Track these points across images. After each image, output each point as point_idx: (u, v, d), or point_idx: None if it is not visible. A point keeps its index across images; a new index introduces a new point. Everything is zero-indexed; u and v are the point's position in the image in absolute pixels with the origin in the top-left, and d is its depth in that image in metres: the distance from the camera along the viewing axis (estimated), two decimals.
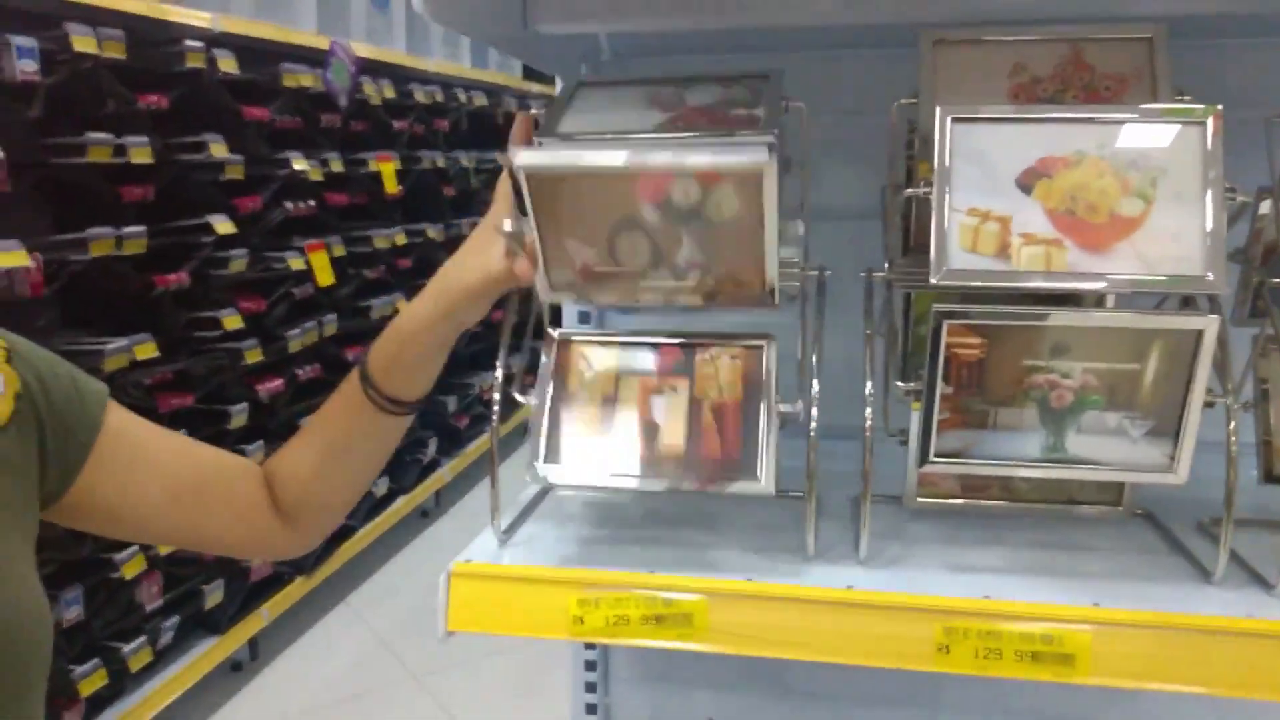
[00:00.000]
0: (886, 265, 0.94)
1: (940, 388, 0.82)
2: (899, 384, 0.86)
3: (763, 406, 0.88)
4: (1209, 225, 0.76)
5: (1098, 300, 0.84)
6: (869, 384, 0.90)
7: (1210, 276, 0.76)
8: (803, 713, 1.31)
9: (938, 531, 0.99)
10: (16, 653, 0.80)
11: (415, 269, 4.71)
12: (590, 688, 1.45)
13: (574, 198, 0.87)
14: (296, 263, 3.67)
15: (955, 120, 0.81)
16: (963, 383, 0.82)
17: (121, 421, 0.92)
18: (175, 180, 3.05)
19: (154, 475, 0.93)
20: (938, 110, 0.81)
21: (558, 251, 0.90)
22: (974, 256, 0.79)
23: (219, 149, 3.16)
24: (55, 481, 0.87)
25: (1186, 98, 0.89)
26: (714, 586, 0.87)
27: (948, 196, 0.80)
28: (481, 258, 0.95)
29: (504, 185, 0.97)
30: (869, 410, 0.89)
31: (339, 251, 3.97)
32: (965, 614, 0.83)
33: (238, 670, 3.53)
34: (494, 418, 0.96)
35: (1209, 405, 0.80)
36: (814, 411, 0.89)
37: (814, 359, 0.90)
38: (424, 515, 5.03)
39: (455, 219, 5.27)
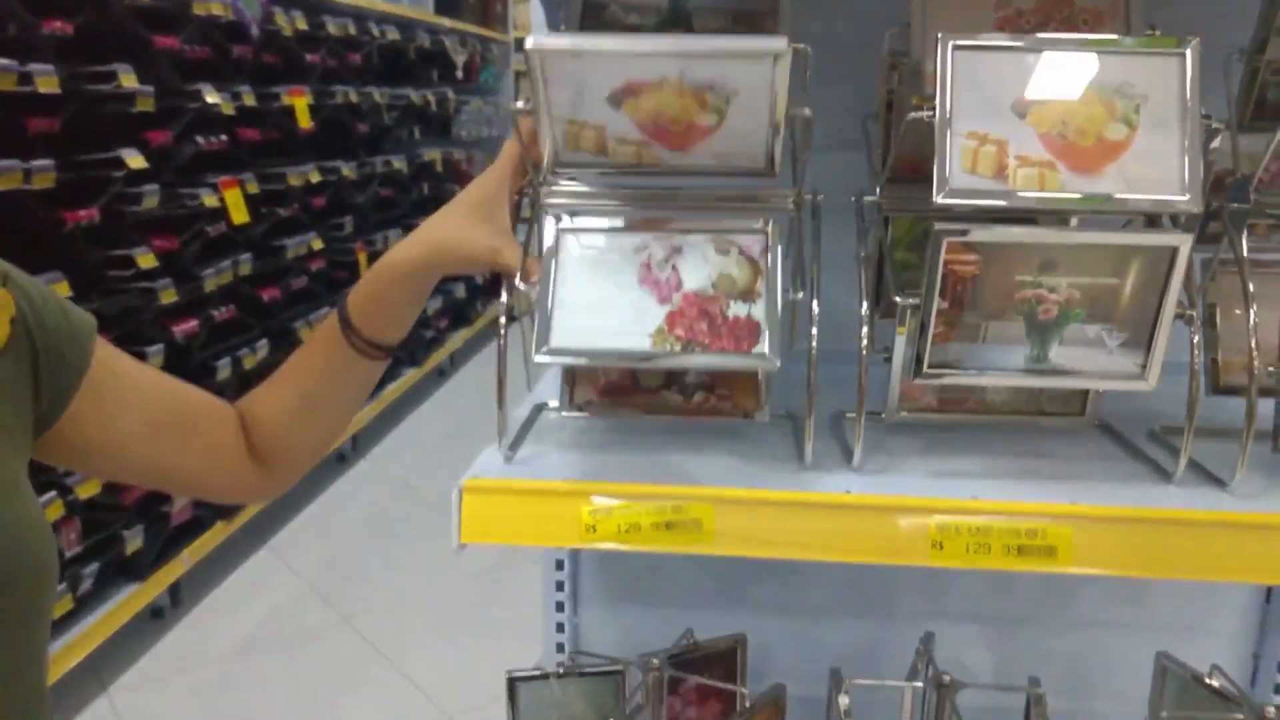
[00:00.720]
0: (877, 191, 0.98)
1: (937, 303, 0.87)
2: (898, 299, 0.91)
3: (765, 289, 0.92)
4: (1187, 150, 0.83)
5: (1082, 221, 0.90)
6: (864, 304, 0.95)
7: (1188, 198, 0.83)
8: (762, 626, 1.37)
9: (918, 443, 1.05)
10: (31, 571, 0.79)
11: (329, 208, 4.60)
12: (559, 607, 1.49)
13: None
14: (210, 200, 3.55)
15: (956, 48, 0.85)
16: (957, 298, 0.88)
17: (107, 353, 0.91)
18: (83, 112, 2.91)
19: (137, 408, 0.92)
20: (939, 37, 0.85)
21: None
22: (973, 178, 0.84)
23: (129, 79, 3.02)
24: (46, 410, 0.85)
25: (1156, 32, 0.95)
26: (720, 494, 0.92)
27: (950, 120, 0.84)
28: (471, 234, 0.94)
29: (511, 147, 0.96)
30: (865, 329, 0.94)
31: (253, 189, 3.86)
32: (956, 512, 0.90)
33: (159, 617, 3.47)
34: (502, 338, 0.96)
35: (1179, 317, 0.87)
36: (814, 330, 0.93)
37: (813, 276, 0.94)
38: (341, 459, 4.97)
39: (369, 157, 5.15)
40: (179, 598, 3.54)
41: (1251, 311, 0.89)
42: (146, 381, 0.94)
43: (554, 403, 1.15)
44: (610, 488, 0.93)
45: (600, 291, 0.93)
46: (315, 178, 4.38)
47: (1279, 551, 0.87)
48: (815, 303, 0.93)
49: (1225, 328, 1.03)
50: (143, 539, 3.23)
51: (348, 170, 4.74)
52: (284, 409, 1.00)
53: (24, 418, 0.84)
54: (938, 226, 0.85)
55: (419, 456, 5.06)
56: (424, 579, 3.81)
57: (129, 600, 3.17)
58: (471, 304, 6.75)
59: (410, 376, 5.51)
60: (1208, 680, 1.20)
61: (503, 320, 0.98)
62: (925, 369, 0.91)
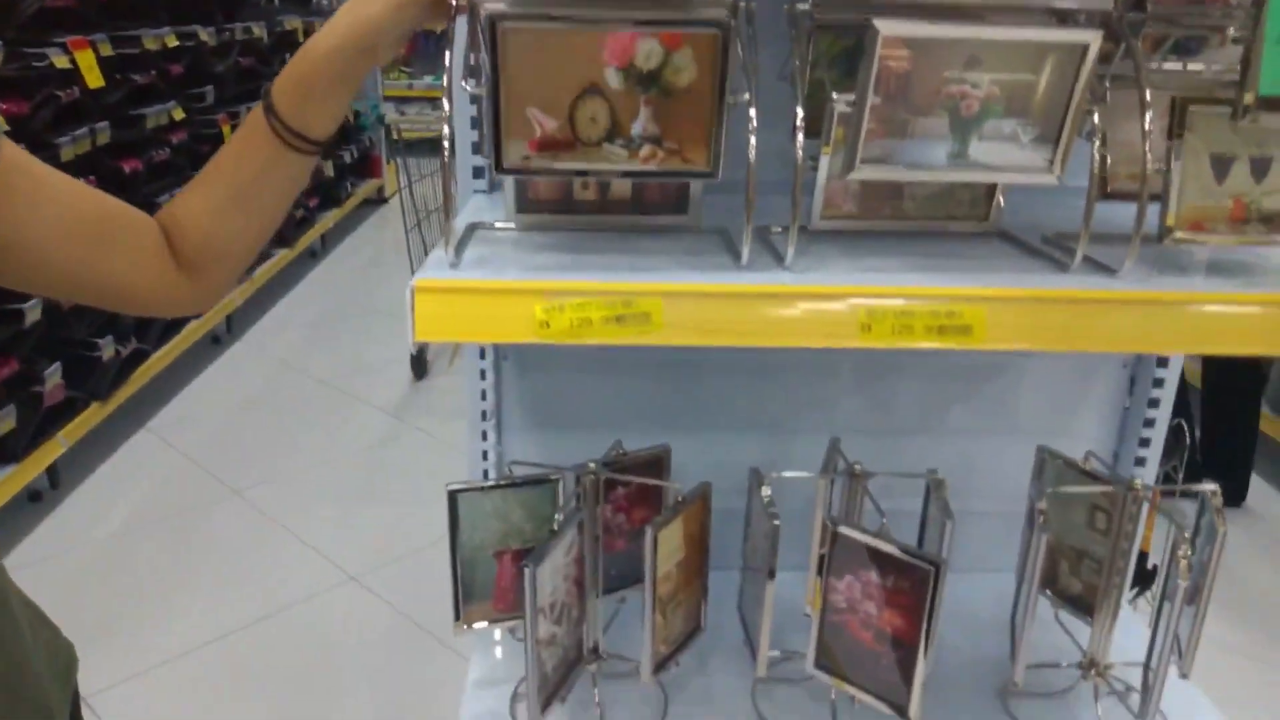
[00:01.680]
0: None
1: (870, 98, 0.93)
2: (836, 95, 0.96)
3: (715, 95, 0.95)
4: None
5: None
6: (799, 109, 0.99)
7: None
8: (679, 444, 1.45)
9: (841, 247, 1.12)
10: None
11: (189, 77, 4.34)
12: (484, 436, 1.53)
13: (541, 60, 0.93)
14: (60, 60, 3.31)
15: None
16: (889, 94, 0.94)
17: (17, 155, 0.88)
18: None
19: (51, 210, 0.89)
20: None
21: (519, 122, 0.95)
22: None
23: None
24: None
25: None
26: (668, 288, 0.97)
27: None
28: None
29: None
30: (799, 136, 0.99)
31: (106, 50, 3.61)
32: (882, 296, 0.97)
33: (37, 500, 3.36)
34: (446, 153, 0.97)
35: (1088, 112, 0.96)
36: (752, 141, 0.97)
37: (753, 83, 0.98)
38: (215, 341, 4.82)
39: (227, 23, 4.86)
40: (57, 480, 3.43)
41: (1147, 116, 0.98)
42: (61, 185, 0.91)
43: (487, 218, 1.18)
44: (562, 285, 0.96)
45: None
46: (172, 42, 4.12)
47: (1162, 325, 0.99)
48: (753, 110, 0.98)
49: (1114, 141, 1.13)
50: (14, 420, 3.10)
51: (206, 35, 4.47)
52: (210, 208, 0.98)
53: None
54: (875, 21, 0.89)
55: (296, 336, 4.96)
56: (311, 453, 3.79)
57: (4, 483, 3.06)
58: (341, 184, 6.54)
59: (282, 257, 5.34)
60: (1083, 465, 1.34)
61: (447, 108, 0.97)
62: (858, 162, 0.97)
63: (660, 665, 1.28)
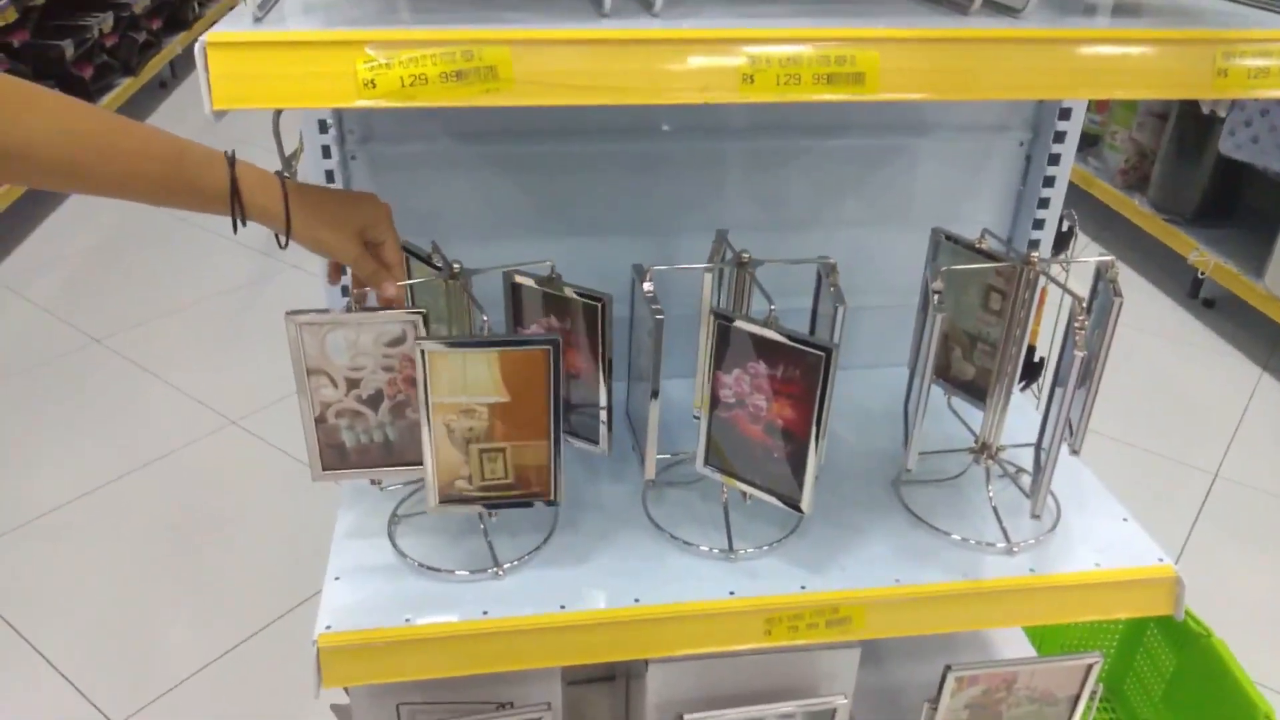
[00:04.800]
0: None
1: None
2: None
3: None
4: None
5: None
6: None
7: None
8: (557, 252, 1.33)
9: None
10: None
11: None
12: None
13: None
14: None
15: None
16: None
17: None
18: None
19: None
20: None
21: None
22: None
23: None
24: None
25: None
26: (517, 36, 0.82)
27: None
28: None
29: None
30: None
31: None
32: (766, 42, 0.85)
33: None
34: None
35: None
36: None
37: None
38: None
39: None
40: None
41: None
42: None
43: None
44: (389, 35, 0.81)
45: None
46: None
47: (1064, 65, 0.89)
48: None
49: None
50: None
51: None
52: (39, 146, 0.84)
53: None
54: None
55: None
56: (176, 296, 3.55)
57: None
58: (188, 3, 5.95)
59: (127, 87, 4.87)
60: (978, 244, 1.27)
61: None
62: None
63: (457, 500, 1.17)
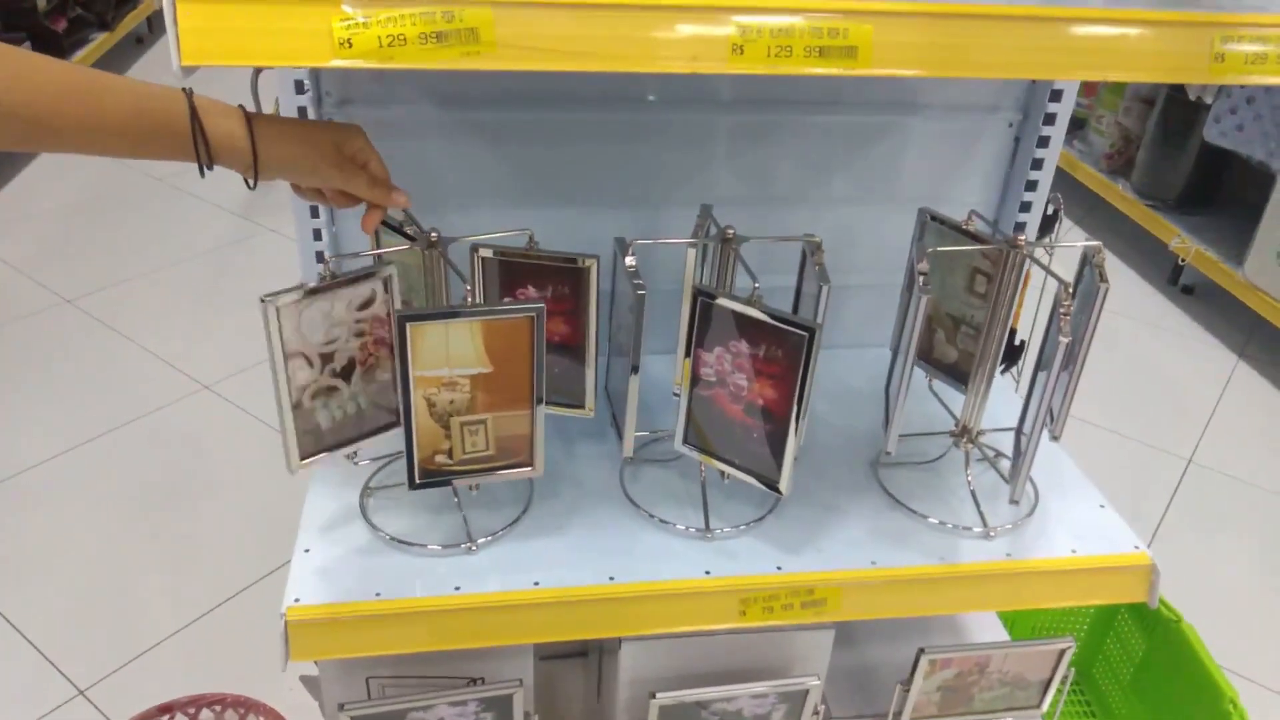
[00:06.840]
0: None
1: None
2: None
3: None
4: None
5: None
6: None
7: None
8: (539, 221, 1.31)
9: None
10: None
11: None
12: (316, 236, 1.36)
13: None
14: None
15: None
16: None
17: None
18: None
19: None
20: None
21: None
22: None
23: None
24: None
25: None
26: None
27: None
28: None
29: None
30: None
31: None
32: (757, 13, 0.82)
33: None
34: None
35: None
36: None
37: None
38: None
39: None
40: None
41: None
42: None
43: None
44: None
45: None
46: None
47: (1060, 45, 0.87)
48: None
49: None
50: None
51: None
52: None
53: None
54: None
55: None
56: (151, 258, 3.49)
57: None
58: None
59: (102, 43, 4.77)
60: (965, 225, 1.26)
61: None
62: None
63: (436, 477, 1.15)
